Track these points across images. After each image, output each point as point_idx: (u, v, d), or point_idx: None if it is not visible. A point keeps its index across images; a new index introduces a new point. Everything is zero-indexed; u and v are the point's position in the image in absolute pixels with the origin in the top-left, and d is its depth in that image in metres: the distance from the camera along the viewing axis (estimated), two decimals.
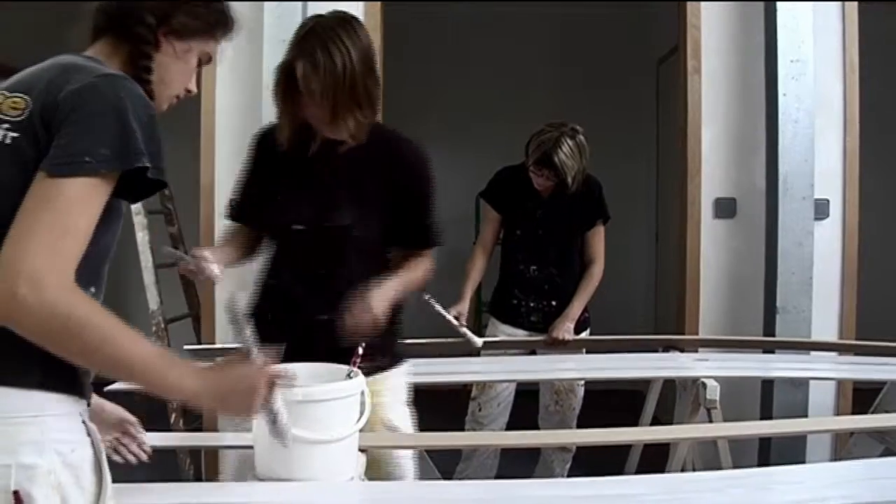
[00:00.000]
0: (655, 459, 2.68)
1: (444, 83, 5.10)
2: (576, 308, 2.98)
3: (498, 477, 3.00)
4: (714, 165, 3.46)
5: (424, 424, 1.97)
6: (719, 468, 2.39)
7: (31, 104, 1.09)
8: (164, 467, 3.09)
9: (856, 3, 3.42)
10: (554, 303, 3.01)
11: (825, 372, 3.01)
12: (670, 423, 2.98)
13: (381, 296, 1.70)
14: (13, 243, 0.99)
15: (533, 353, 3.09)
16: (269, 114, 3.15)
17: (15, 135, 1.08)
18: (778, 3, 3.23)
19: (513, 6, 5.18)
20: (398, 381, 1.89)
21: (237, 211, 1.94)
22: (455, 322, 2.76)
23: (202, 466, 3.36)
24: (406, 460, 1.86)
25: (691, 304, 3.48)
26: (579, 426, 3.08)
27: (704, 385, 2.46)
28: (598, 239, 3.05)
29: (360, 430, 1.70)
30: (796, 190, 3.22)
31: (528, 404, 3.12)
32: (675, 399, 3.00)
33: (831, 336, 3.43)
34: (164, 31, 1.23)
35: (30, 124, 1.08)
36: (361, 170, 1.79)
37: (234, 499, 1.50)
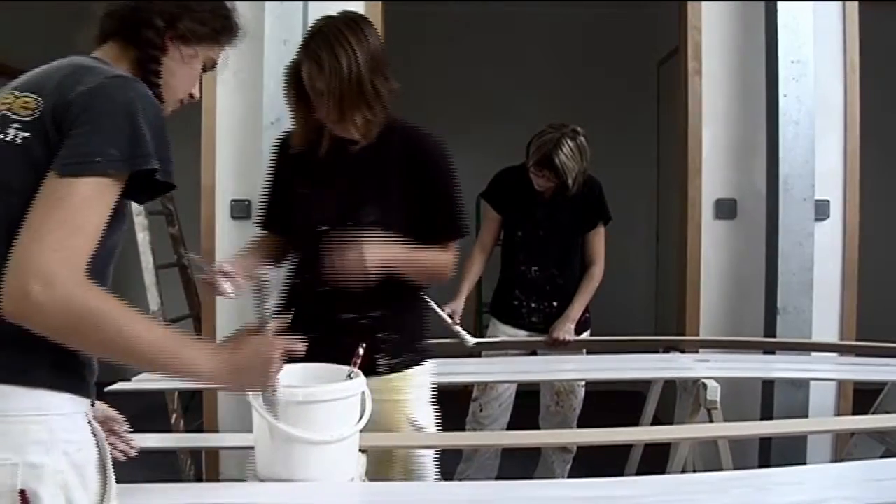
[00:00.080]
0: (656, 460, 2.68)
1: (444, 83, 5.10)
2: (576, 309, 2.99)
3: (499, 477, 3.00)
4: (714, 166, 3.46)
5: None
6: (720, 469, 2.38)
7: (42, 104, 1.10)
8: (164, 467, 3.10)
9: (856, 4, 3.42)
10: (555, 303, 3.01)
11: (826, 373, 3.00)
12: (671, 423, 2.97)
13: (380, 251, 1.67)
14: (24, 243, 0.99)
15: (534, 353, 3.09)
16: (269, 114, 3.20)
17: (25, 134, 1.08)
18: (778, 4, 3.23)
19: (513, 6, 5.19)
20: (423, 379, 1.87)
21: (264, 218, 1.96)
22: (448, 320, 2.76)
23: (202, 466, 3.37)
24: (428, 459, 1.85)
25: (692, 304, 3.48)
26: (580, 427, 3.08)
27: (705, 386, 2.46)
28: (598, 240, 3.05)
29: (380, 428, 1.75)
30: (797, 191, 3.22)
31: (528, 405, 3.12)
32: (675, 400, 3.00)
33: (832, 337, 3.44)
34: (171, 35, 1.24)
35: (40, 124, 1.08)
36: (381, 166, 1.79)
37: (234, 499, 1.49)
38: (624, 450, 3.03)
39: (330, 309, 1.79)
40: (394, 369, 1.81)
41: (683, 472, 2.50)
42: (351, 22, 1.74)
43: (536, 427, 3.10)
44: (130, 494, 1.32)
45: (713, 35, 3.45)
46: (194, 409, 3.61)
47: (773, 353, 3.20)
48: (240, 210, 3.38)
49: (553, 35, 5.34)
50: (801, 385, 3.21)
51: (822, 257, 3.31)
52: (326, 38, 1.70)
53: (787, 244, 3.23)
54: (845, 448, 2.99)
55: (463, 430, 3.02)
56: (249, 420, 1.48)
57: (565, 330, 2.95)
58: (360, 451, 1.57)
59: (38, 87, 1.12)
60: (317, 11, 3.17)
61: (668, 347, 3.22)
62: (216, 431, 3.35)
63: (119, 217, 1.12)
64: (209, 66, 1.33)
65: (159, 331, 1.10)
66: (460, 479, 2.93)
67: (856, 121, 3.43)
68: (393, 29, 3.45)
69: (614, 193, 3.16)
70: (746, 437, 2.93)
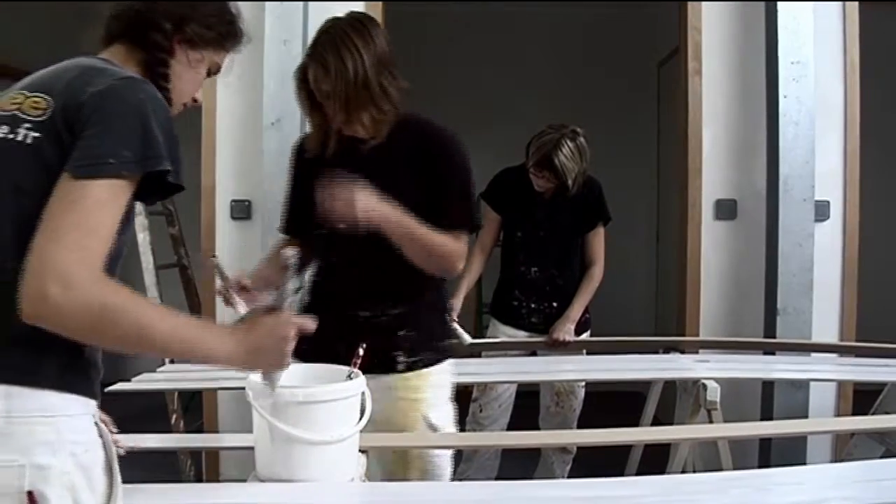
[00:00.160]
0: (656, 460, 2.68)
1: (445, 83, 5.10)
2: (576, 309, 2.99)
3: (499, 477, 3.00)
4: (715, 167, 3.46)
5: None
6: (720, 469, 2.39)
7: (53, 104, 1.10)
8: (164, 467, 3.10)
9: (856, 4, 3.42)
10: (555, 304, 3.01)
11: (826, 373, 3.00)
12: (671, 424, 2.98)
13: (374, 202, 1.65)
14: (40, 245, 1.00)
15: (533, 354, 3.09)
16: (269, 114, 3.20)
17: (36, 135, 1.08)
18: (779, 5, 3.23)
19: (513, 6, 5.19)
20: (441, 378, 1.86)
21: (286, 223, 1.99)
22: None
23: (202, 466, 3.37)
24: (443, 459, 1.85)
25: (692, 305, 3.48)
26: (580, 427, 3.08)
27: (705, 386, 2.45)
28: (598, 240, 3.05)
29: (395, 425, 1.78)
30: (797, 191, 3.22)
31: (528, 405, 3.12)
32: (675, 400, 3.00)
33: (832, 337, 3.44)
34: (178, 39, 1.25)
35: (52, 124, 1.08)
36: (395, 162, 1.79)
37: (234, 499, 1.50)
38: (624, 450, 3.03)
39: (349, 306, 1.80)
40: (411, 367, 1.81)
41: (683, 472, 2.50)
42: (356, 23, 1.75)
43: (536, 427, 3.10)
44: (130, 494, 1.32)
45: (713, 35, 3.45)
46: (194, 409, 3.61)
47: (773, 353, 3.20)
48: (240, 210, 3.38)
49: (553, 35, 5.34)
50: (801, 386, 3.21)
51: (822, 258, 3.31)
52: (332, 40, 1.72)
53: (787, 245, 3.23)
54: (845, 449, 2.99)
55: (463, 430, 3.01)
56: (249, 420, 1.49)
57: (565, 330, 2.95)
58: (360, 451, 1.57)
59: (48, 87, 1.12)
60: (317, 11, 3.19)
61: (668, 348, 3.22)
62: (216, 431, 3.35)
63: (128, 218, 1.12)
64: (214, 70, 1.34)
65: (176, 320, 1.10)
66: (460, 480, 2.93)
67: (856, 121, 3.43)
68: (393, 29, 3.44)
69: (614, 193, 3.16)
70: (746, 437, 2.93)
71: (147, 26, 1.22)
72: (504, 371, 2.87)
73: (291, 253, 1.42)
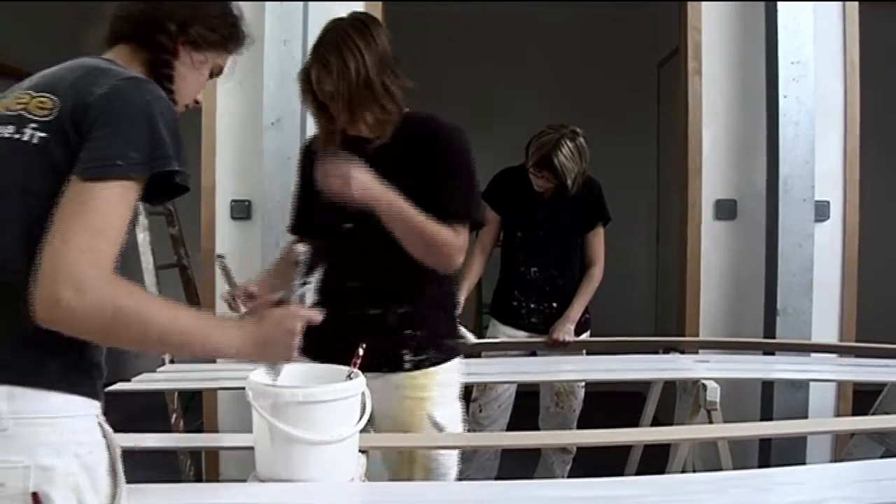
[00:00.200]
0: (656, 460, 2.68)
1: (445, 83, 5.11)
2: (576, 309, 2.99)
3: (499, 477, 3.00)
4: (714, 167, 3.46)
5: None
6: (720, 469, 2.39)
7: (59, 104, 1.10)
8: (164, 467, 3.10)
9: (856, 4, 3.42)
10: (554, 304, 3.01)
11: (825, 373, 3.00)
12: (671, 424, 2.97)
13: (368, 181, 1.65)
14: (51, 250, 1.00)
15: (533, 354, 3.09)
16: (269, 114, 3.20)
17: (43, 135, 1.08)
18: (779, 5, 3.23)
19: (513, 6, 5.19)
20: (448, 377, 1.86)
21: (294, 224, 1.99)
22: None
23: (202, 466, 3.36)
24: (449, 459, 1.85)
25: (692, 305, 3.48)
26: (580, 427, 3.08)
27: (705, 386, 2.46)
28: (598, 240, 3.05)
29: (401, 424, 1.79)
30: (797, 191, 3.23)
31: (528, 405, 3.12)
32: (675, 400, 3.00)
33: (831, 337, 3.44)
34: (182, 40, 1.25)
35: (58, 125, 1.08)
36: (400, 160, 1.78)
37: (234, 499, 1.49)
38: (624, 450, 3.03)
39: (356, 305, 1.80)
40: (417, 366, 1.81)
41: (683, 472, 2.50)
42: (358, 23, 1.76)
43: (536, 428, 3.10)
44: (130, 494, 1.31)
45: (713, 35, 3.45)
46: (194, 409, 3.61)
47: (772, 353, 3.20)
48: (240, 210, 3.38)
49: (553, 35, 5.34)
50: (801, 386, 3.21)
51: (821, 258, 3.31)
52: (334, 41, 1.72)
53: (787, 245, 3.23)
54: (845, 449, 2.99)
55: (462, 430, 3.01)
56: (249, 420, 1.48)
57: (565, 331, 2.95)
58: (360, 451, 1.57)
59: (54, 87, 1.12)
60: (317, 11, 3.19)
61: (668, 348, 3.22)
62: (216, 431, 3.35)
63: (134, 218, 1.13)
64: (216, 72, 1.35)
65: (187, 317, 1.12)
66: (460, 479, 2.92)
67: (856, 121, 3.44)
68: (393, 29, 3.44)
69: (614, 193, 3.17)
70: (746, 437, 2.93)
71: (152, 27, 1.23)
72: (504, 371, 2.87)
73: (303, 249, 1.44)
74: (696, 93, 3.45)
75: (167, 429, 3.19)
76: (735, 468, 2.41)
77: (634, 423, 3.06)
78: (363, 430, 1.83)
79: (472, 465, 3.05)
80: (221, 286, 1.56)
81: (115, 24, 1.25)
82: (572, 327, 2.97)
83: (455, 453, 1.88)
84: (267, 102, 3.21)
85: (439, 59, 5.14)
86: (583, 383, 3.06)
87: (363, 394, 1.52)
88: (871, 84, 3.51)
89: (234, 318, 1.28)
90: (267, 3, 3.16)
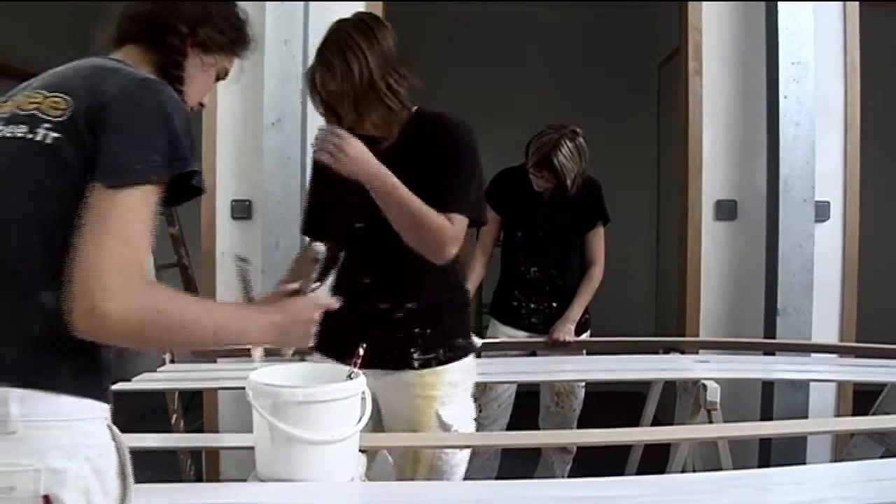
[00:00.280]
0: (656, 460, 2.68)
1: (444, 83, 5.10)
2: (576, 309, 2.99)
3: (499, 477, 3.00)
4: (715, 167, 3.46)
5: None
6: (720, 469, 2.39)
7: (73, 105, 1.09)
8: (164, 467, 3.10)
9: (857, 5, 3.42)
10: (554, 304, 3.01)
11: (826, 374, 3.01)
12: (671, 424, 2.98)
13: (366, 156, 1.66)
14: (84, 263, 1.01)
15: (533, 354, 3.09)
16: (269, 114, 3.20)
17: (56, 135, 1.08)
18: (779, 5, 3.23)
19: (513, 6, 5.19)
20: (457, 376, 1.85)
21: (307, 225, 2.00)
22: None
23: (202, 466, 3.36)
24: (455, 458, 1.85)
25: (692, 305, 3.48)
26: (580, 427, 3.08)
27: (705, 387, 2.46)
28: (598, 240, 3.05)
29: (409, 422, 1.80)
30: (797, 192, 3.23)
31: (528, 405, 3.12)
32: (675, 400, 3.00)
33: (832, 338, 3.44)
34: (191, 42, 1.25)
35: (72, 125, 1.08)
36: (408, 158, 1.78)
37: (234, 499, 1.50)
38: (624, 450, 3.03)
39: (367, 302, 1.81)
40: (425, 365, 1.81)
41: (683, 472, 2.50)
42: (361, 24, 1.76)
43: (536, 428, 3.10)
44: None
45: (714, 35, 3.45)
46: (194, 409, 3.61)
47: (772, 354, 3.20)
48: (240, 210, 3.38)
49: (553, 35, 5.34)
50: (801, 386, 3.21)
51: (822, 258, 3.31)
52: (337, 42, 1.73)
53: (788, 245, 3.23)
54: (845, 449, 2.99)
55: None
56: (249, 420, 1.49)
57: (565, 331, 2.95)
58: (360, 451, 1.58)
59: (67, 87, 1.11)
60: (317, 11, 3.19)
61: (668, 348, 3.22)
62: (216, 431, 3.35)
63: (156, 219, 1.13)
64: (222, 75, 1.35)
65: (217, 311, 1.16)
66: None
67: (856, 122, 3.44)
68: (393, 29, 3.46)
69: (614, 193, 3.17)
70: (746, 437, 2.93)
71: (163, 28, 1.23)
72: (504, 371, 2.87)
73: (321, 248, 1.47)
74: (696, 93, 3.45)
75: (167, 429, 3.19)
76: (735, 468, 2.41)
77: (634, 423, 3.06)
78: (375, 429, 1.85)
79: (473, 465, 3.01)
80: (236, 288, 1.57)
81: (124, 24, 1.25)
82: (572, 327, 2.97)
83: (463, 452, 1.88)
84: (267, 102, 3.21)
85: (439, 59, 5.13)
86: (583, 383, 3.05)
87: (363, 394, 1.52)
88: (871, 84, 3.51)
89: (257, 305, 1.33)
90: (267, 3, 3.16)
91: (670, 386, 3.10)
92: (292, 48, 3.19)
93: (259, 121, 3.24)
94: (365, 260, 1.84)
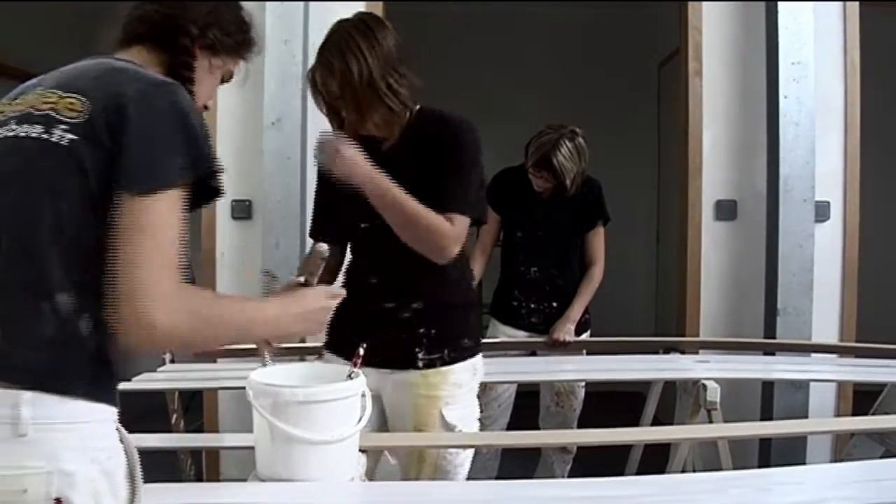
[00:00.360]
0: (656, 460, 2.68)
1: (445, 83, 5.10)
2: (576, 309, 2.98)
3: (499, 477, 3.00)
4: (715, 167, 3.46)
5: None
6: (720, 469, 2.38)
7: (90, 106, 1.08)
8: (164, 467, 3.10)
9: (857, 5, 3.42)
10: (554, 304, 3.01)
11: (825, 374, 3.01)
12: (671, 424, 2.98)
13: (363, 161, 1.67)
14: (126, 275, 1.02)
15: (533, 354, 3.09)
16: (269, 114, 3.20)
17: (73, 137, 1.07)
18: (779, 5, 3.24)
19: (513, 6, 5.19)
20: (461, 377, 1.85)
21: (315, 227, 2.01)
22: None
23: (202, 466, 3.36)
24: (460, 458, 1.85)
25: (692, 305, 3.48)
26: (580, 427, 3.08)
27: (705, 386, 2.46)
28: (598, 240, 3.05)
29: (413, 422, 1.81)
30: (797, 192, 3.23)
31: (528, 405, 3.12)
32: (675, 400, 3.00)
33: (832, 338, 3.44)
34: (200, 44, 1.25)
35: (89, 127, 1.07)
36: (411, 159, 1.79)
37: (234, 498, 1.50)
38: (624, 450, 3.03)
39: (373, 301, 1.82)
40: (430, 365, 1.82)
41: (683, 472, 2.50)
42: (361, 24, 1.76)
43: (536, 427, 3.10)
44: None
45: (714, 35, 3.45)
46: (194, 409, 3.61)
47: (772, 353, 3.20)
48: (240, 210, 3.38)
49: (553, 35, 5.34)
50: (801, 386, 3.21)
51: (822, 258, 3.31)
52: (337, 43, 1.73)
53: (787, 245, 3.23)
54: (845, 449, 2.99)
55: None
56: (249, 420, 1.49)
57: (565, 331, 2.95)
58: (360, 450, 1.58)
59: (81, 88, 1.11)
60: (317, 11, 3.19)
61: (669, 348, 3.22)
62: (216, 431, 3.35)
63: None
64: (227, 77, 1.36)
65: (249, 308, 1.21)
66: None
67: (856, 122, 3.44)
68: (393, 29, 3.46)
69: (614, 193, 3.16)
70: (746, 437, 2.93)
71: (173, 29, 1.23)
72: (504, 371, 2.87)
73: (325, 247, 1.48)
74: (696, 93, 3.45)
75: (167, 429, 3.19)
76: (735, 468, 2.41)
77: (634, 423, 3.06)
78: (381, 429, 1.86)
79: (473, 465, 3.02)
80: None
81: (131, 25, 1.25)
82: (572, 327, 2.97)
83: (467, 452, 1.88)
84: (267, 102, 3.21)
85: (439, 59, 5.13)
86: (583, 383, 3.05)
87: (363, 394, 1.52)
88: (871, 84, 3.51)
89: (275, 299, 1.38)
90: (267, 3, 3.16)
91: (670, 386, 3.10)
92: (292, 48, 3.19)
93: (259, 121, 3.24)
94: (371, 260, 1.86)
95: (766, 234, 3.35)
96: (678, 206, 3.64)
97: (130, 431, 1.44)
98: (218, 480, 3.30)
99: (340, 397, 1.47)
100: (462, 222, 1.75)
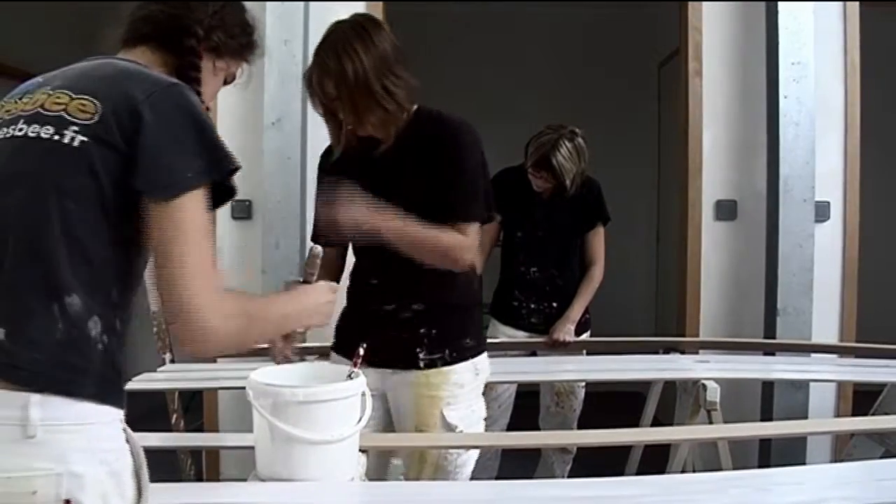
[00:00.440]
0: (656, 460, 2.68)
1: (445, 83, 5.10)
2: (576, 310, 2.98)
3: (499, 478, 2.99)
4: (715, 167, 3.46)
5: None
6: (720, 469, 2.38)
7: (101, 108, 1.08)
8: (164, 467, 3.10)
9: (857, 5, 3.42)
10: (554, 304, 3.01)
11: (825, 374, 3.01)
12: (671, 424, 2.98)
13: (369, 215, 1.69)
14: (175, 289, 1.05)
15: (533, 354, 3.08)
16: (270, 114, 3.20)
17: (84, 138, 1.07)
18: (779, 5, 3.23)
19: (513, 6, 5.19)
20: (463, 377, 1.86)
21: (316, 231, 2.00)
22: None
23: (202, 466, 3.36)
24: (462, 458, 1.86)
25: (692, 305, 3.48)
26: (580, 427, 3.08)
27: (705, 387, 2.46)
28: (598, 240, 3.05)
29: (414, 422, 1.82)
30: (797, 192, 3.23)
31: (528, 405, 3.12)
32: (675, 401, 3.00)
33: (832, 338, 3.44)
34: (204, 46, 1.25)
35: (101, 129, 1.07)
36: (409, 160, 1.80)
37: (234, 498, 1.50)
38: (624, 450, 3.03)
39: (375, 302, 1.83)
40: (431, 365, 1.83)
41: (683, 472, 2.50)
42: (357, 26, 1.77)
43: (536, 428, 3.10)
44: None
45: (714, 35, 3.45)
46: (194, 409, 3.61)
47: (772, 354, 3.20)
48: (240, 210, 3.38)
49: (553, 35, 5.34)
50: (801, 386, 3.21)
51: (822, 258, 3.31)
52: (333, 45, 1.74)
53: (787, 245, 3.23)
54: (845, 449, 2.99)
55: None
56: (249, 420, 1.49)
57: (565, 331, 2.95)
58: (360, 450, 1.58)
59: (92, 90, 1.11)
60: (317, 11, 3.19)
61: (668, 348, 3.22)
62: (216, 431, 3.35)
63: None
64: (229, 79, 1.36)
65: (273, 304, 1.33)
66: None
67: (856, 122, 3.44)
68: (393, 29, 3.45)
69: (614, 193, 3.16)
70: (746, 438, 2.92)
71: (180, 30, 1.23)
72: (504, 371, 2.86)
73: (319, 248, 1.52)
74: (696, 93, 3.45)
75: (167, 428, 3.19)
76: (735, 468, 2.41)
77: (634, 423, 3.06)
78: (387, 429, 1.86)
79: (473, 466, 3.04)
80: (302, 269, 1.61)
81: (136, 25, 1.24)
82: (572, 327, 2.97)
83: (470, 452, 1.88)
84: (267, 102, 3.21)
85: (439, 59, 5.13)
86: (583, 383, 3.05)
87: (363, 393, 1.52)
88: (871, 84, 3.51)
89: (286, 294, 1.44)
90: (267, 3, 3.16)
91: (670, 386, 3.10)
92: (292, 48, 3.19)
93: (259, 121, 3.24)
94: (372, 261, 1.87)
95: (766, 234, 3.35)
96: (678, 206, 3.64)
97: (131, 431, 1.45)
98: (218, 480, 3.30)
99: (340, 397, 1.47)
100: (474, 229, 1.79)
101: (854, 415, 3.32)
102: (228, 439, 2.48)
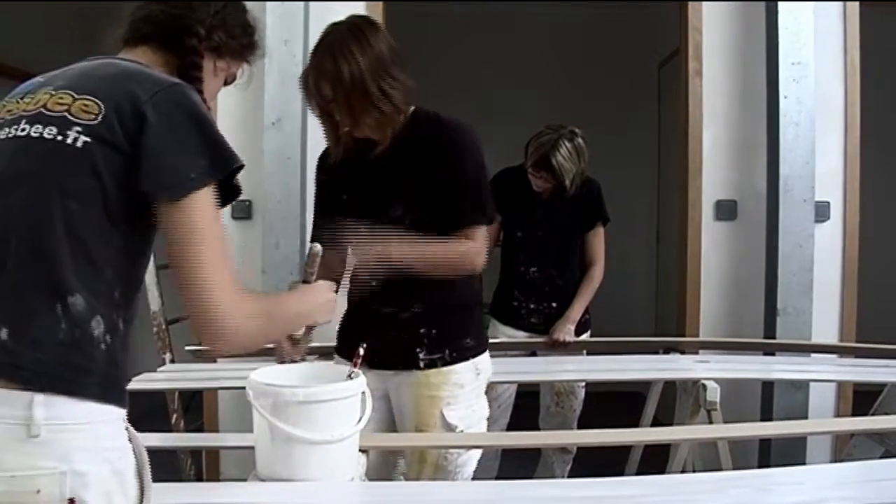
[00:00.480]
0: (656, 460, 2.68)
1: (444, 83, 5.10)
2: (576, 310, 2.98)
3: (499, 478, 2.99)
4: (715, 167, 3.46)
5: None
6: (720, 469, 2.38)
7: (104, 108, 1.08)
8: (164, 467, 3.10)
9: (857, 5, 3.42)
10: (554, 304, 3.01)
11: (825, 374, 3.00)
12: (671, 424, 2.98)
13: (373, 252, 1.71)
14: (194, 286, 1.07)
15: (533, 354, 3.08)
16: (270, 114, 3.20)
17: (87, 139, 1.07)
18: (779, 5, 3.23)
19: (513, 6, 5.19)
20: (464, 377, 1.87)
21: (315, 233, 2.01)
22: None
23: (202, 466, 3.36)
24: (463, 458, 1.86)
25: (692, 305, 3.48)
26: (580, 427, 3.08)
27: (705, 387, 2.46)
28: (598, 240, 3.05)
29: (415, 422, 1.82)
30: (797, 192, 3.23)
31: (528, 405, 3.12)
32: (675, 401, 3.00)
33: (832, 338, 3.44)
34: (205, 46, 1.26)
35: (107, 130, 1.07)
36: (406, 160, 1.80)
37: (234, 498, 1.50)
38: (624, 450, 3.03)
39: (373, 302, 1.82)
40: (431, 365, 1.83)
41: (683, 472, 2.50)
42: (354, 28, 1.77)
43: (536, 428, 3.10)
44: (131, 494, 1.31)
45: (714, 36, 3.45)
46: (194, 409, 3.61)
47: (772, 354, 3.20)
48: (240, 210, 3.38)
49: (553, 35, 5.33)
50: (801, 386, 3.21)
51: (822, 258, 3.31)
52: (329, 46, 1.74)
53: (787, 245, 3.23)
54: (845, 449, 2.99)
55: None
56: (249, 420, 1.49)
57: (565, 331, 2.95)
58: (360, 450, 1.58)
59: (94, 90, 1.11)
60: (317, 11, 3.19)
61: (668, 348, 3.22)
62: (216, 431, 3.35)
63: (153, 228, 1.13)
64: (229, 80, 1.36)
65: (283, 302, 1.37)
66: None
67: (856, 122, 3.43)
68: (393, 29, 3.44)
69: (614, 193, 3.16)
70: (746, 438, 2.92)
71: (182, 30, 1.23)
72: (504, 371, 2.86)
73: (318, 248, 1.55)
74: (696, 93, 3.45)
75: (168, 428, 3.19)
76: (735, 468, 2.41)
77: (634, 423, 3.06)
78: (390, 429, 1.86)
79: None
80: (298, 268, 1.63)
81: (136, 25, 1.24)
82: (572, 327, 2.97)
83: (470, 452, 1.89)
84: (267, 102, 3.21)
85: (439, 59, 5.13)
86: (583, 383, 3.05)
87: (363, 393, 1.52)
88: (871, 84, 3.51)
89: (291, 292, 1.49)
90: (267, 3, 3.16)
91: (670, 386, 3.10)
92: (292, 48, 3.19)
93: (259, 121, 3.24)
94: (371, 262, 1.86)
95: (766, 234, 3.35)
96: (678, 206, 3.64)
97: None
98: (218, 480, 3.30)
99: (340, 397, 1.47)
100: (481, 232, 1.84)
101: (854, 415, 3.31)
102: (228, 439, 2.48)
